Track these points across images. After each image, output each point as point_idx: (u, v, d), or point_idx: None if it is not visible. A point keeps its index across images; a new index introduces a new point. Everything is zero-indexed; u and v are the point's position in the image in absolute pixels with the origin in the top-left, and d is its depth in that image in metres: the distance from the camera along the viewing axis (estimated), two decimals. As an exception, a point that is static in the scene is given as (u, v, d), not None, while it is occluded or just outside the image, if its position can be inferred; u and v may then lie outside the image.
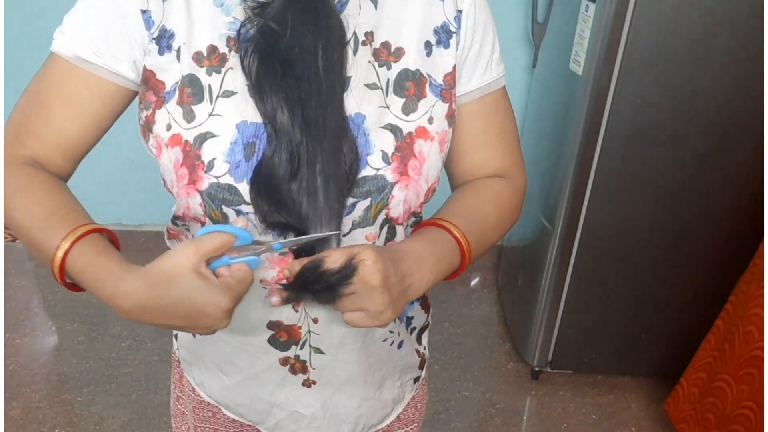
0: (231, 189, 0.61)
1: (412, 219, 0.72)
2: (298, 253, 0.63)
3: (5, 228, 2.82)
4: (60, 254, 0.60)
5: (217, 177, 0.61)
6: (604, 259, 1.85)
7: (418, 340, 0.87)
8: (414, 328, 0.85)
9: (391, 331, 0.79)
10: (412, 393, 0.90)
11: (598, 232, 1.80)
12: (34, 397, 1.96)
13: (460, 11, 0.69)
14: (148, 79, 0.64)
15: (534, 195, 2.04)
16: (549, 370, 2.08)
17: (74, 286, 0.64)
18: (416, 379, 0.90)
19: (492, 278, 2.63)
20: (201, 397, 0.85)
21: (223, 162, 0.61)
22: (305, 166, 0.60)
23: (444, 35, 0.69)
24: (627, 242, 1.82)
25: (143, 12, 0.62)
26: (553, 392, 2.07)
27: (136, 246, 2.67)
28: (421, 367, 0.89)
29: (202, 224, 0.65)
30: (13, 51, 2.27)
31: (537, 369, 2.08)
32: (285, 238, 0.63)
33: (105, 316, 2.30)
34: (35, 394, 1.97)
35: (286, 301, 0.63)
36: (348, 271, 0.58)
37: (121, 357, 2.13)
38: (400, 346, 0.81)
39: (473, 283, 2.63)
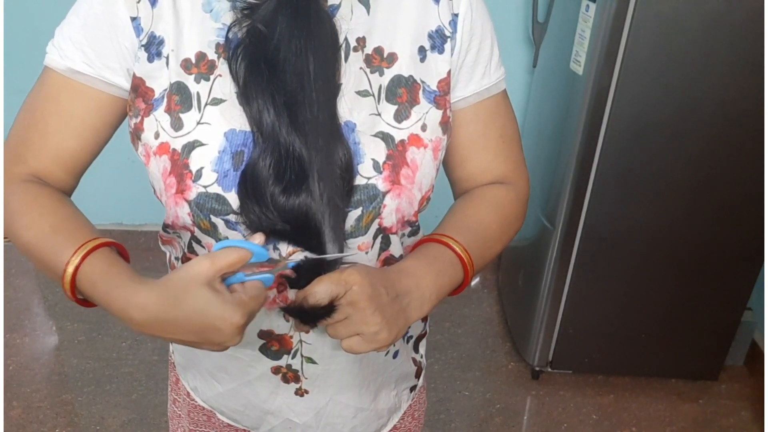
0: (219, 198, 0.61)
1: (408, 228, 0.71)
2: (292, 282, 0.62)
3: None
4: (70, 270, 0.59)
5: (205, 186, 0.60)
6: (604, 259, 1.85)
7: (415, 349, 0.86)
8: (411, 337, 0.83)
9: None
10: (408, 402, 0.89)
11: (598, 231, 1.80)
12: (35, 397, 1.96)
13: (455, 15, 0.67)
14: (138, 86, 0.63)
15: (534, 195, 2.03)
16: (549, 370, 2.08)
17: (86, 302, 0.63)
18: (413, 388, 0.88)
19: (492, 278, 2.63)
20: (196, 402, 0.85)
21: (212, 171, 0.60)
22: (296, 168, 0.59)
23: (439, 40, 0.67)
24: (627, 242, 1.82)
25: (133, 19, 0.62)
26: (553, 392, 2.07)
27: (136, 246, 2.67)
28: (417, 376, 0.88)
29: (192, 233, 0.65)
30: (13, 51, 2.27)
31: (537, 369, 2.08)
32: (275, 247, 0.63)
33: (105, 316, 2.30)
34: (36, 394, 1.97)
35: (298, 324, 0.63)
36: (334, 305, 0.58)
37: (121, 357, 2.13)
38: (395, 356, 0.80)
39: (474, 283, 2.63)
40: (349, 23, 0.64)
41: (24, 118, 0.68)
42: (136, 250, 2.66)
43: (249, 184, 0.59)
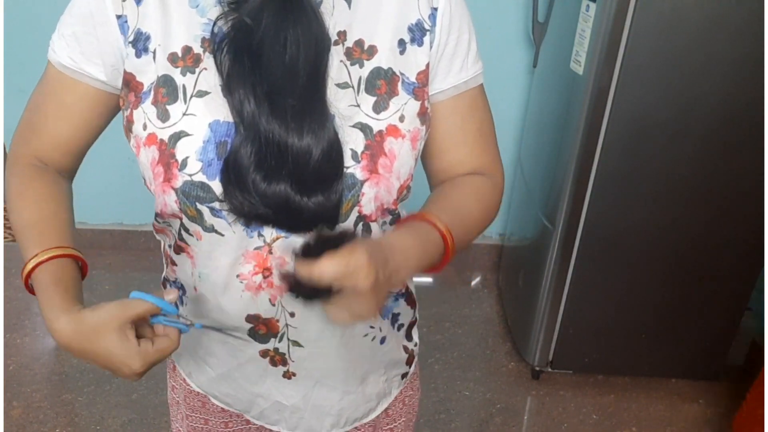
0: (204, 186, 0.63)
1: (389, 217, 0.73)
2: (305, 250, 0.60)
3: (5, 228, 2.82)
4: (26, 270, 0.68)
5: (190, 175, 0.63)
6: (604, 259, 1.85)
7: (408, 337, 0.88)
8: (402, 325, 0.85)
9: (372, 327, 0.79)
10: (399, 388, 0.91)
11: (598, 231, 1.80)
12: (35, 397, 1.96)
13: (435, 9, 0.69)
14: (129, 81, 0.66)
15: (535, 194, 2.04)
16: (549, 370, 2.08)
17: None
18: (404, 375, 0.90)
19: (493, 278, 2.63)
20: (191, 387, 0.88)
21: (196, 160, 0.63)
22: (276, 155, 0.61)
23: (418, 33, 0.69)
24: (627, 242, 1.82)
25: (118, 17, 0.65)
26: (553, 392, 2.07)
27: (136, 246, 2.67)
28: (408, 363, 0.90)
29: (181, 220, 0.68)
30: (13, 51, 2.27)
31: (537, 369, 2.08)
32: (260, 233, 0.66)
33: (105, 315, 2.30)
34: (36, 393, 1.97)
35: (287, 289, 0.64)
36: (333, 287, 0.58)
37: (121, 357, 2.13)
38: (383, 341, 0.82)
39: (474, 283, 2.63)
40: (331, 18, 0.66)
41: (31, 103, 0.74)
42: (137, 250, 2.66)
43: (231, 171, 0.62)
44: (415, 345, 0.90)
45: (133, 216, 2.67)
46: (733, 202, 1.74)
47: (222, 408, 0.88)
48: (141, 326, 0.65)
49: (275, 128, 0.60)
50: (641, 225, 1.79)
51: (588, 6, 1.60)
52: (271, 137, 0.60)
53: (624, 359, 2.05)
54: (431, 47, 0.69)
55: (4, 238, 2.77)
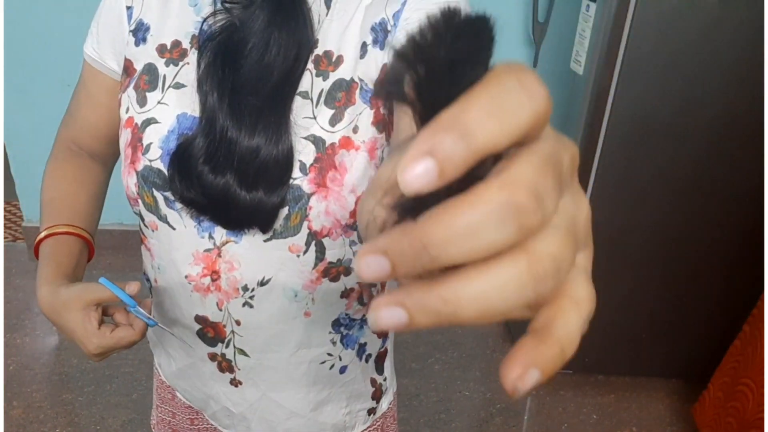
0: (161, 174, 0.65)
1: (353, 234, 0.68)
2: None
3: (5, 228, 2.83)
4: (38, 239, 0.73)
5: (151, 160, 0.65)
6: (604, 260, 1.85)
7: (378, 370, 0.84)
8: (369, 356, 0.82)
9: (330, 354, 0.77)
10: (364, 425, 0.86)
11: (598, 232, 1.78)
12: (35, 397, 1.96)
13: (403, 4, 0.63)
14: (127, 67, 0.70)
15: (534, 195, 2.03)
16: (549, 370, 2.08)
17: None
18: (371, 411, 0.86)
19: (492, 278, 2.63)
20: (162, 377, 0.89)
21: (158, 147, 0.65)
22: (225, 150, 0.61)
23: (381, 34, 0.64)
24: (627, 242, 1.82)
25: (128, 8, 0.70)
26: (553, 392, 2.07)
27: (136, 246, 2.66)
28: (375, 398, 0.85)
29: (138, 208, 0.71)
30: (13, 51, 2.27)
31: (537, 369, 2.08)
32: (210, 235, 0.67)
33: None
34: (36, 393, 1.97)
35: None
36: None
37: (121, 357, 2.13)
38: (343, 371, 0.79)
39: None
40: (317, 25, 0.64)
41: (74, 92, 0.80)
42: (137, 250, 2.66)
43: (179, 159, 0.63)
44: (385, 380, 0.86)
45: (133, 216, 2.66)
46: (733, 202, 1.74)
47: (187, 404, 0.88)
48: (120, 312, 0.69)
49: (230, 124, 0.61)
50: (641, 225, 1.79)
51: (588, 6, 1.60)
52: (225, 132, 0.61)
53: (624, 359, 2.05)
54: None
55: (5, 238, 2.77)
